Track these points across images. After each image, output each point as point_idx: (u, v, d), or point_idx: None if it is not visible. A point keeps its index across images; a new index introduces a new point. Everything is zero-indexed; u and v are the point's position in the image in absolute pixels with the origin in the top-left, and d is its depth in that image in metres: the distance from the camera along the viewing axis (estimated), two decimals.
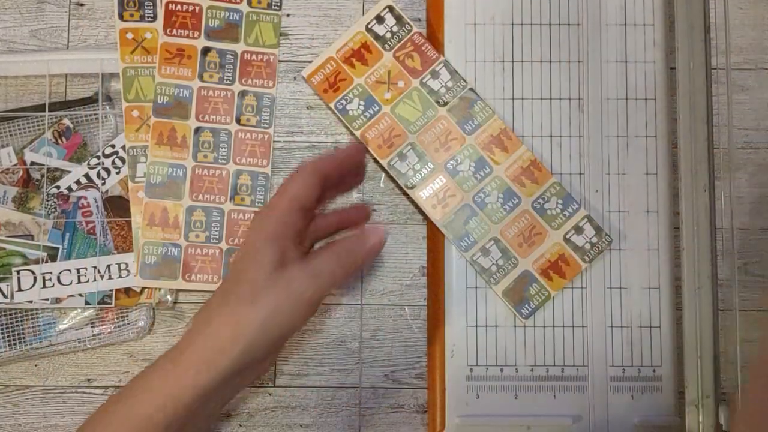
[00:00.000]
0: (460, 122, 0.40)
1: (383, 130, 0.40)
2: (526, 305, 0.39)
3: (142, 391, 0.30)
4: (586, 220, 0.39)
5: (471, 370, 0.40)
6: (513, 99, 0.41)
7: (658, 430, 0.40)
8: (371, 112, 0.41)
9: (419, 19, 0.44)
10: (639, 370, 0.40)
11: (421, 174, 0.40)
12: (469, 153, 0.40)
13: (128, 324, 0.41)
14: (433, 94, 0.41)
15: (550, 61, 0.42)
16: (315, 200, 0.31)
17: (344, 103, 0.41)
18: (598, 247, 0.39)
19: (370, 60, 0.41)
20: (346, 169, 0.33)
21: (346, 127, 0.42)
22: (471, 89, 0.41)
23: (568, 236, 0.40)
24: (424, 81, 0.41)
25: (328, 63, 0.41)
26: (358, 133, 0.41)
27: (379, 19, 0.42)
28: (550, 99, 0.42)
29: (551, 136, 0.41)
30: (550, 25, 0.42)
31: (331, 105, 0.41)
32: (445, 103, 0.41)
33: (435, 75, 0.41)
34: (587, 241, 0.39)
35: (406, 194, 0.42)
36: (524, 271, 0.39)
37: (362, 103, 0.41)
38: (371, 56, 0.41)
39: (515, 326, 0.41)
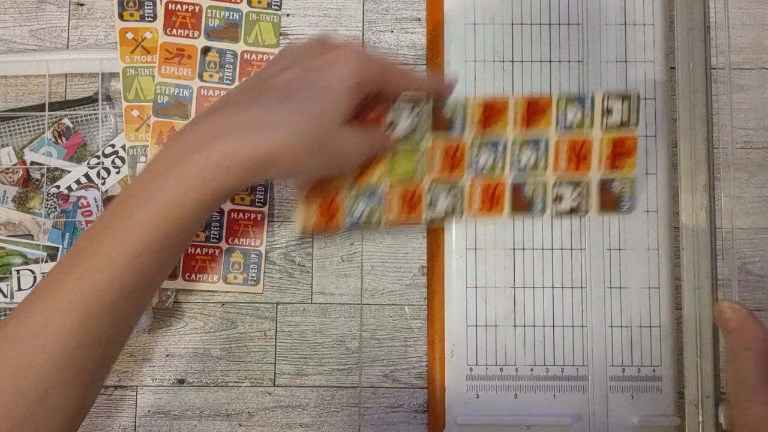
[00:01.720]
0: None
1: None
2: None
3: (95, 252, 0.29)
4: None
5: (471, 369, 0.40)
6: None
7: (658, 430, 0.40)
8: None
9: (419, 19, 0.44)
10: (639, 370, 0.40)
11: None
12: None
13: None
14: None
15: (550, 61, 0.42)
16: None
17: None
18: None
19: None
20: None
21: None
22: None
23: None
24: None
25: None
26: None
27: None
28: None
29: None
30: (550, 24, 0.42)
31: None
32: None
33: None
34: None
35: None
36: None
37: None
38: None
39: (515, 326, 0.41)
